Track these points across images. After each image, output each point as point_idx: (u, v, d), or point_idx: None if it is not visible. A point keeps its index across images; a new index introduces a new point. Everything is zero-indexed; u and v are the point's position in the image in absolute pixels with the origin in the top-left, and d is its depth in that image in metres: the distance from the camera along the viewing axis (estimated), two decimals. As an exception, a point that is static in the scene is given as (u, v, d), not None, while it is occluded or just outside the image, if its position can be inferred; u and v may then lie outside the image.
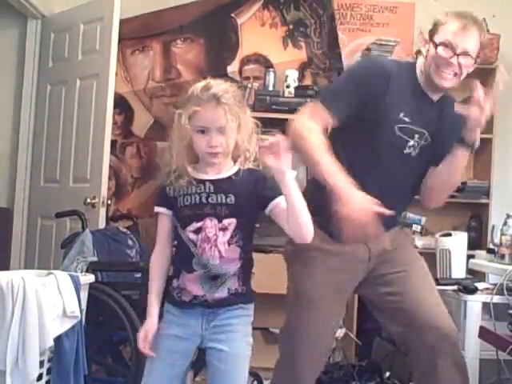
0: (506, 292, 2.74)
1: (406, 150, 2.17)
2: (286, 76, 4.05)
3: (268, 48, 4.30)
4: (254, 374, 3.17)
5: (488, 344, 2.57)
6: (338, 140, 2.11)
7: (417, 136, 2.17)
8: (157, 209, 1.89)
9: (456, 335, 2.18)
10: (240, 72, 4.30)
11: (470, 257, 3.35)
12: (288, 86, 4.03)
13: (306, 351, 2.23)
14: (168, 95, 4.28)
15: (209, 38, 4.32)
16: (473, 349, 2.79)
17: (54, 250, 3.75)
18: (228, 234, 1.80)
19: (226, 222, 1.79)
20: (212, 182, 1.83)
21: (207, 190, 1.81)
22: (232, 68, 4.30)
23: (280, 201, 1.79)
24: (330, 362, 3.64)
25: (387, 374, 3.19)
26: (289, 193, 1.74)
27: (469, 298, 2.84)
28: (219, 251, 1.79)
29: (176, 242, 1.88)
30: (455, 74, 2.14)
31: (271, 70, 4.12)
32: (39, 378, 2.34)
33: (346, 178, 1.93)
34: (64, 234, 3.52)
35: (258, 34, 4.30)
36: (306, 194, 1.85)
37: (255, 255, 3.89)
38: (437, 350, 2.13)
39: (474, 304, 2.83)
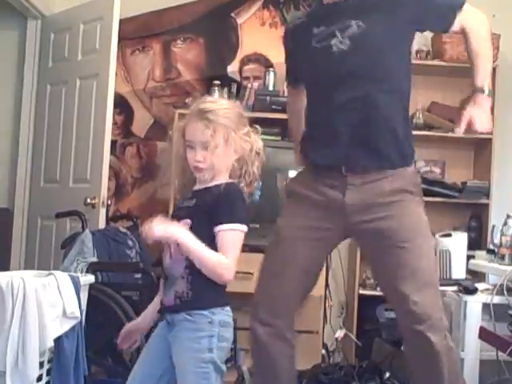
0: (506, 293, 2.74)
1: (334, 49, 2.14)
2: (286, 76, 4.04)
3: (268, 48, 4.30)
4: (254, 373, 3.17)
5: (488, 345, 2.57)
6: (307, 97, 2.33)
7: (337, 31, 2.14)
8: None
9: (430, 323, 2.04)
10: (240, 72, 4.30)
11: (469, 257, 3.36)
12: (288, 86, 4.02)
13: (266, 287, 2.25)
14: (168, 95, 4.28)
15: (209, 37, 4.32)
16: (473, 349, 2.79)
17: (54, 250, 3.75)
18: None
19: (182, 222, 1.79)
20: (194, 191, 1.87)
21: (188, 196, 1.87)
22: (232, 68, 4.30)
23: (219, 230, 1.77)
24: (330, 363, 3.65)
25: (387, 374, 3.19)
26: (187, 251, 1.75)
27: (469, 298, 2.84)
28: (170, 250, 1.81)
29: None
30: None
31: (271, 69, 4.12)
32: (39, 378, 2.33)
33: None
34: (64, 235, 3.52)
35: (258, 34, 4.30)
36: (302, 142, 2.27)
37: (255, 255, 3.90)
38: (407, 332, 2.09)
39: (474, 305, 2.83)
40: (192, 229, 1.76)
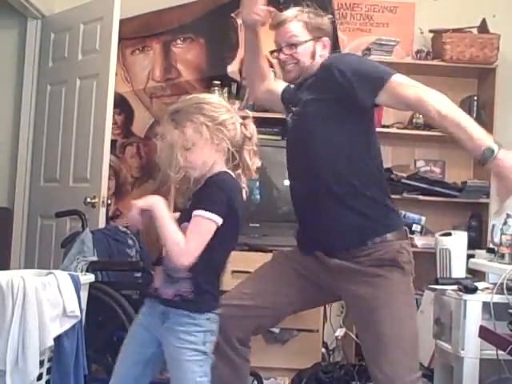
0: (506, 291, 2.74)
1: (289, 124, 2.33)
2: (286, 76, 4.04)
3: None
4: (254, 373, 3.17)
5: (488, 343, 2.57)
6: None
7: (293, 108, 2.33)
8: None
9: None
10: (240, 72, 4.29)
11: (469, 256, 3.36)
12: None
13: (242, 288, 2.30)
14: (168, 95, 4.28)
15: (209, 37, 4.32)
16: (473, 348, 2.79)
17: (54, 249, 3.75)
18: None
19: (182, 226, 1.80)
20: (193, 193, 1.89)
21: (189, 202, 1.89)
22: (232, 68, 4.29)
23: (196, 214, 1.78)
24: (330, 362, 3.65)
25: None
26: (157, 224, 1.78)
27: (469, 297, 2.84)
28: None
29: None
30: (295, 63, 2.32)
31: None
32: (39, 377, 2.34)
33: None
34: (64, 234, 3.52)
35: (257, 34, 4.30)
36: None
37: (254, 254, 3.91)
38: None
39: (474, 303, 2.82)
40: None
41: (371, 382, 3.04)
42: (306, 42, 2.31)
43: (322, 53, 2.33)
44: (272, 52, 2.44)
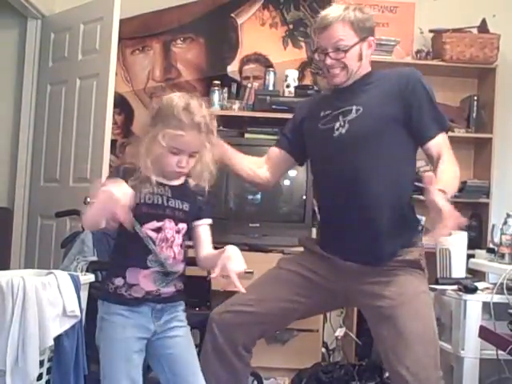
0: (506, 291, 2.74)
1: (336, 133, 2.24)
2: (286, 76, 4.05)
3: (268, 48, 4.30)
4: (254, 373, 3.17)
5: (488, 343, 2.57)
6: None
7: (341, 116, 2.24)
8: (107, 181, 1.84)
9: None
10: (240, 72, 4.30)
11: (469, 256, 3.35)
12: (288, 86, 4.02)
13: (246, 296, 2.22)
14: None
15: (209, 37, 4.32)
16: (473, 348, 2.79)
17: (54, 249, 3.75)
18: (181, 238, 1.93)
19: (180, 225, 1.92)
20: (170, 187, 1.92)
21: (167, 194, 1.92)
22: (232, 68, 4.30)
23: (206, 223, 2.00)
24: (330, 362, 3.65)
25: (387, 373, 3.19)
26: None
27: (469, 297, 2.84)
28: (174, 252, 1.90)
29: (120, 239, 1.94)
30: (343, 68, 2.25)
31: (271, 69, 4.12)
32: (39, 377, 2.33)
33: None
34: (64, 234, 3.52)
35: (258, 34, 4.30)
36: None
37: (255, 254, 3.91)
38: None
39: (474, 303, 2.83)
40: (187, 232, 1.94)
41: (371, 381, 3.04)
42: (353, 45, 2.23)
43: (368, 52, 2.29)
44: (315, 51, 2.35)
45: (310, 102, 2.50)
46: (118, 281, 1.90)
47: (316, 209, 2.52)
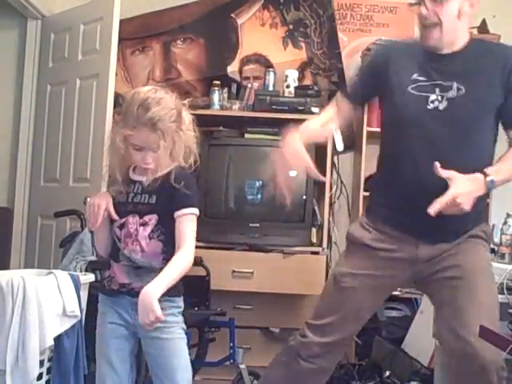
0: (506, 291, 2.73)
1: (430, 106, 2.12)
2: (286, 76, 4.05)
3: (268, 48, 4.30)
4: (253, 373, 3.18)
5: (488, 343, 2.57)
6: (382, 134, 2.34)
7: (438, 89, 2.11)
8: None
9: (490, 367, 2.00)
10: (240, 72, 4.30)
11: (470, 256, 3.35)
12: (288, 86, 4.02)
13: (321, 329, 2.26)
14: (168, 95, 4.28)
15: (209, 38, 4.32)
16: (473, 348, 2.78)
17: (54, 249, 3.75)
18: (148, 229, 1.92)
19: (146, 217, 1.93)
20: (141, 183, 1.96)
21: (135, 191, 1.96)
22: (232, 68, 4.30)
23: (180, 214, 1.92)
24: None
25: (387, 373, 3.20)
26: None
27: (469, 297, 2.84)
28: (140, 245, 1.92)
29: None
30: (435, 25, 2.08)
31: (271, 69, 4.12)
32: (39, 377, 2.34)
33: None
34: (64, 234, 3.52)
35: (257, 34, 4.30)
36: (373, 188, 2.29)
37: (255, 254, 3.90)
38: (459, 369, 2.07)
39: (474, 303, 2.82)
40: (160, 222, 1.92)
41: (371, 381, 3.04)
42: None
43: (469, 12, 2.08)
44: (412, 4, 2.15)
45: (397, 53, 2.24)
46: (106, 273, 2.03)
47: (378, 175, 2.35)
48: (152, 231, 1.92)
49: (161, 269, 1.89)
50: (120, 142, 1.88)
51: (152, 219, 1.93)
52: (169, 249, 1.93)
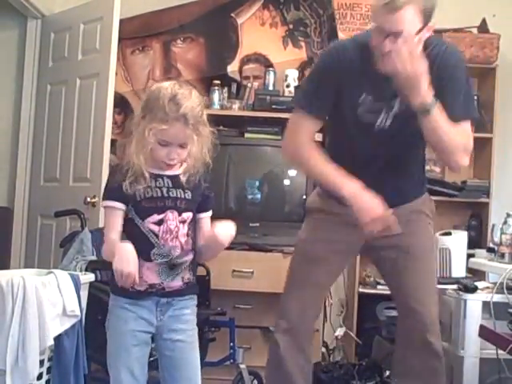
0: (505, 291, 2.74)
1: (378, 124, 2.20)
2: (286, 75, 4.05)
3: (268, 47, 4.30)
4: (254, 373, 3.18)
5: (488, 343, 2.57)
6: (328, 137, 2.47)
7: (384, 109, 2.18)
8: (110, 203, 1.89)
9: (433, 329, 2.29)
10: (240, 71, 4.30)
11: (470, 256, 3.36)
12: (288, 86, 4.03)
13: (291, 298, 2.38)
14: (168, 95, 4.28)
15: (209, 37, 4.32)
16: (473, 348, 2.79)
17: (54, 249, 3.75)
18: (186, 227, 1.90)
19: (184, 215, 1.90)
20: (169, 177, 1.91)
21: (166, 185, 1.90)
22: (232, 67, 4.30)
23: (208, 216, 1.98)
24: (330, 361, 3.65)
25: (387, 373, 3.20)
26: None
27: (469, 296, 2.85)
28: (180, 242, 1.88)
29: (125, 235, 1.92)
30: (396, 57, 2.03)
31: (271, 69, 4.12)
32: (39, 377, 2.33)
33: (351, 181, 2.14)
34: (64, 233, 3.52)
35: (257, 34, 4.30)
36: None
37: (255, 254, 3.90)
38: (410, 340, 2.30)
39: (474, 303, 2.83)
40: (193, 219, 1.92)
41: (371, 381, 3.05)
42: (416, 33, 2.02)
43: (425, 37, 2.08)
44: (374, 28, 2.06)
45: (348, 67, 2.17)
46: None
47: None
48: (188, 229, 1.91)
49: (190, 266, 1.91)
50: (150, 137, 1.81)
51: (189, 217, 1.91)
52: (195, 246, 1.93)
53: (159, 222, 1.86)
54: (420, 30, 2.03)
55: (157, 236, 1.86)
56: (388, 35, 2.00)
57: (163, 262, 1.86)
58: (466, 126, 2.18)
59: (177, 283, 1.89)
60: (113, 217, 1.89)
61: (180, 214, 1.88)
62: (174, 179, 1.90)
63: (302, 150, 2.26)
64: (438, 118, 2.05)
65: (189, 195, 1.91)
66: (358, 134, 2.25)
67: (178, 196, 1.89)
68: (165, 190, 1.89)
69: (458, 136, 2.11)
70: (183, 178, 1.90)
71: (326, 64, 2.26)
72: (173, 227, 1.87)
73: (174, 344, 1.91)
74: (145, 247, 1.85)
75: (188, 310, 1.94)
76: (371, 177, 2.15)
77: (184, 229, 1.89)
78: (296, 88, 3.98)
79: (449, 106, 2.09)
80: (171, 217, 1.87)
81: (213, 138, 1.93)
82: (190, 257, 1.91)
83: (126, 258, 1.76)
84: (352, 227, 2.20)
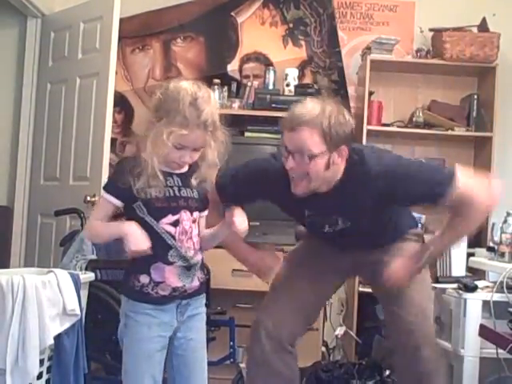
0: (505, 290, 2.74)
1: (327, 229, 2.26)
2: (286, 74, 4.05)
3: (268, 46, 4.30)
4: (253, 372, 3.17)
5: (488, 342, 2.57)
6: None
7: (327, 225, 2.25)
8: (111, 198, 1.84)
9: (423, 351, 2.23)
10: (240, 70, 4.30)
11: (469, 255, 3.35)
12: (288, 85, 4.03)
13: (277, 299, 2.38)
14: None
15: (209, 36, 4.32)
16: (473, 347, 2.79)
17: (54, 248, 3.75)
18: (197, 227, 1.89)
19: (195, 215, 1.88)
20: (178, 175, 1.88)
21: (177, 184, 1.87)
22: (232, 66, 4.30)
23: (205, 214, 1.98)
24: (330, 360, 3.65)
25: (387, 372, 3.19)
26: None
27: (469, 296, 2.84)
28: (193, 243, 1.87)
29: None
30: (304, 176, 2.05)
31: (271, 68, 4.12)
32: (39, 376, 2.34)
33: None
34: (64, 232, 3.52)
35: (258, 33, 4.30)
36: None
37: (255, 253, 3.83)
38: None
39: (474, 302, 2.83)
40: (200, 219, 1.92)
41: (371, 380, 3.06)
42: (319, 155, 2.01)
43: (339, 161, 2.06)
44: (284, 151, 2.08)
45: (275, 188, 2.22)
46: (144, 278, 1.83)
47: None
48: (198, 228, 1.90)
49: (199, 265, 1.90)
50: (168, 140, 1.75)
51: (198, 216, 1.90)
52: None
53: (175, 223, 1.82)
54: (324, 153, 2.01)
55: (173, 237, 1.82)
56: (289, 153, 2.03)
57: (181, 263, 1.84)
58: (457, 192, 2.09)
59: (195, 284, 1.89)
60: (107, 209, 1.86)
61: (192, 214, 1.86)
62: (183, 177, 1.88)
63: None
64: (440, 245, 2.27)
65: (196, 194, 1.89)
66: (315, 231, 2.35)
67: (189, 195, 1.87)
68: (176, 189, 1.85)
69: (464, 218, 2.19)
70: (193, 180, 1.88)
71: (256, 178, 2.27)
72: (187, 228, 1.84)
73: (188, 343, 1.91)
74: (161, 249, 1.81)
75: (202, 309, 1.96)
76: (344, 243, 2.31)
77: (196, 229, 1.88)
78: (296, 87, 3.98)
79: (425, 197, 2.14)
80: (185, 217, 1.84)
81: (226, 141, 1.88)
82: (200, 256, 1.91)
83: (138, 237, 1.77)
84: (339, 251, 2.33)
